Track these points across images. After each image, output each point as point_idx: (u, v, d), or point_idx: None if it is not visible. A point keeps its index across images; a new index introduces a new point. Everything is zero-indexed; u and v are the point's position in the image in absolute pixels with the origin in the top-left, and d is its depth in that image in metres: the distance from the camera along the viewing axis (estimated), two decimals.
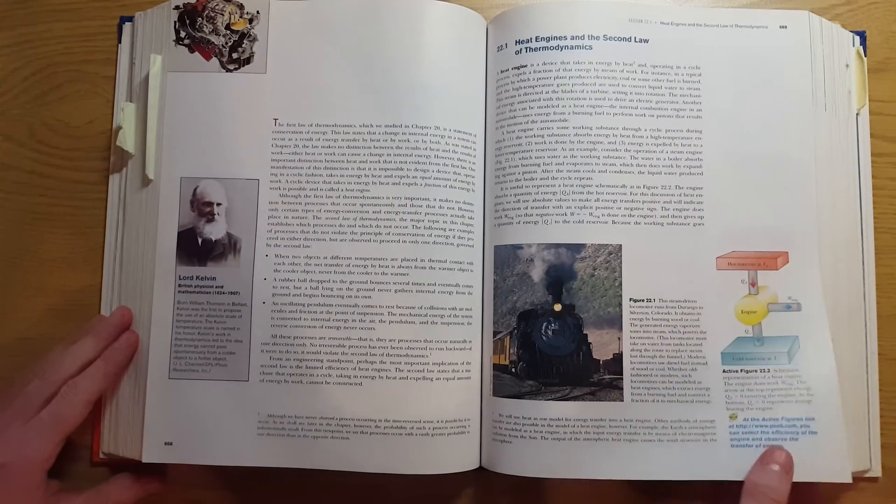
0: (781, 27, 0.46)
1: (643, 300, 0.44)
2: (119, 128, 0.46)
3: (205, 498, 0.47)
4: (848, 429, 0.43)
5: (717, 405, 0.43)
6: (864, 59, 0.48)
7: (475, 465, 0.44)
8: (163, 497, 0.47)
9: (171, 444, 0.44)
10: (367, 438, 0.43)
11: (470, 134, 0.46)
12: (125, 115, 0.46)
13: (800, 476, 0.42)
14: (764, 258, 0.44)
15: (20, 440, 0.39)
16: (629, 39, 0.46)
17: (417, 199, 0.44)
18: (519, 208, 0.45)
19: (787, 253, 0.44)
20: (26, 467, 0.39)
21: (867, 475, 0.45)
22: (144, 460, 0.43)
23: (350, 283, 0.44)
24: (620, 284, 0.44)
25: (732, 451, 0.43)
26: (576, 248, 0.44)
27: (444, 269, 0.44)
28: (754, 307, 0.44)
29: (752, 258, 0.44)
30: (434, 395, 0.44)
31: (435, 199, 0.44)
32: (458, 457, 0.44)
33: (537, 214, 0.44)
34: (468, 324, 0.45)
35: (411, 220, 0.44)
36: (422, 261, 0.44)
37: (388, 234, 0.44)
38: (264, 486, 0.47)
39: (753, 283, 0.44)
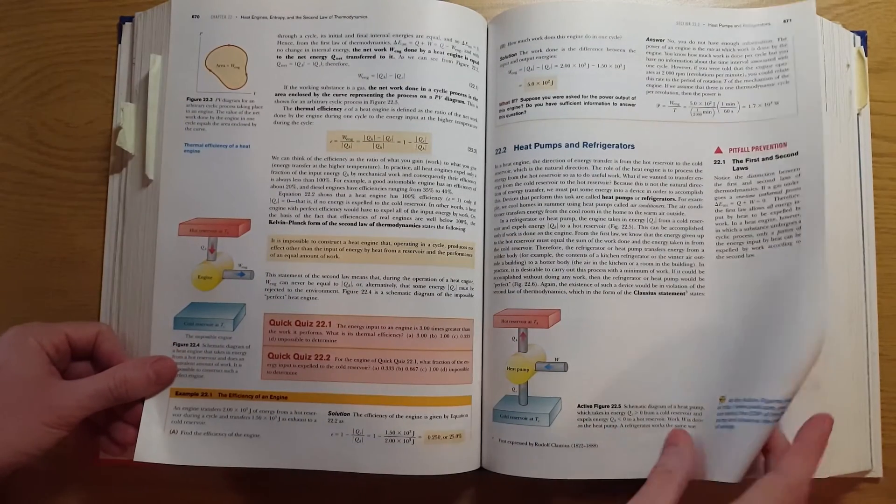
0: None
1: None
2: (119, 128, 0.46)
3: (205, 498, 0.47)
4: (847, 428, 0.43)
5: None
6: (865, 59, 0.48)
7: (476, 466, 0.44)
8: (163, 497, 0.47)
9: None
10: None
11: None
12: (125, 115, 0.46)
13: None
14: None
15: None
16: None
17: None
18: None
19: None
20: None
21: (868, 476, 0.45)
22: (136, 459, 0.43)
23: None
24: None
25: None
26: None
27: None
28: None
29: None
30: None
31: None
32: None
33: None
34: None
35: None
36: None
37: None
38: (264, 486, 0.47)
39: None
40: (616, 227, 0.44)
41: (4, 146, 0.50)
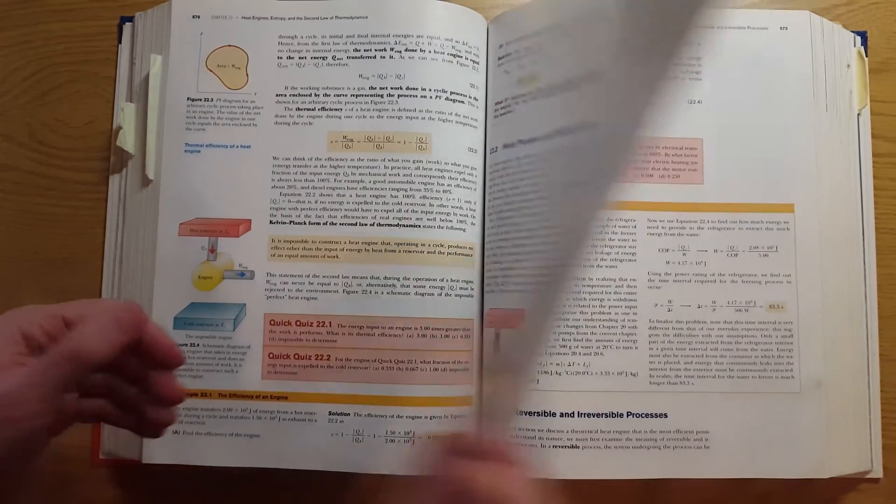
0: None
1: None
2: (119, 128, 0.46)
3: (205, 498, 0.47)
4: (848, 428, 0.43)
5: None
6: (865, 59, 0.48)
7: None
8: (163, 497, 0.47)
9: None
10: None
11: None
12: (125, 115, 0.46)
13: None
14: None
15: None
16: None
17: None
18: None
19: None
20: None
21: (868, 476, 0.45)
22: (145, 461, 0.43)
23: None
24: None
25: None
26: None
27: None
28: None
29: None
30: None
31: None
32: None
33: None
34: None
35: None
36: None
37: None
38: (264, 486, 0.47)
39: None
40: None
41: (4, 146, 0.50)
